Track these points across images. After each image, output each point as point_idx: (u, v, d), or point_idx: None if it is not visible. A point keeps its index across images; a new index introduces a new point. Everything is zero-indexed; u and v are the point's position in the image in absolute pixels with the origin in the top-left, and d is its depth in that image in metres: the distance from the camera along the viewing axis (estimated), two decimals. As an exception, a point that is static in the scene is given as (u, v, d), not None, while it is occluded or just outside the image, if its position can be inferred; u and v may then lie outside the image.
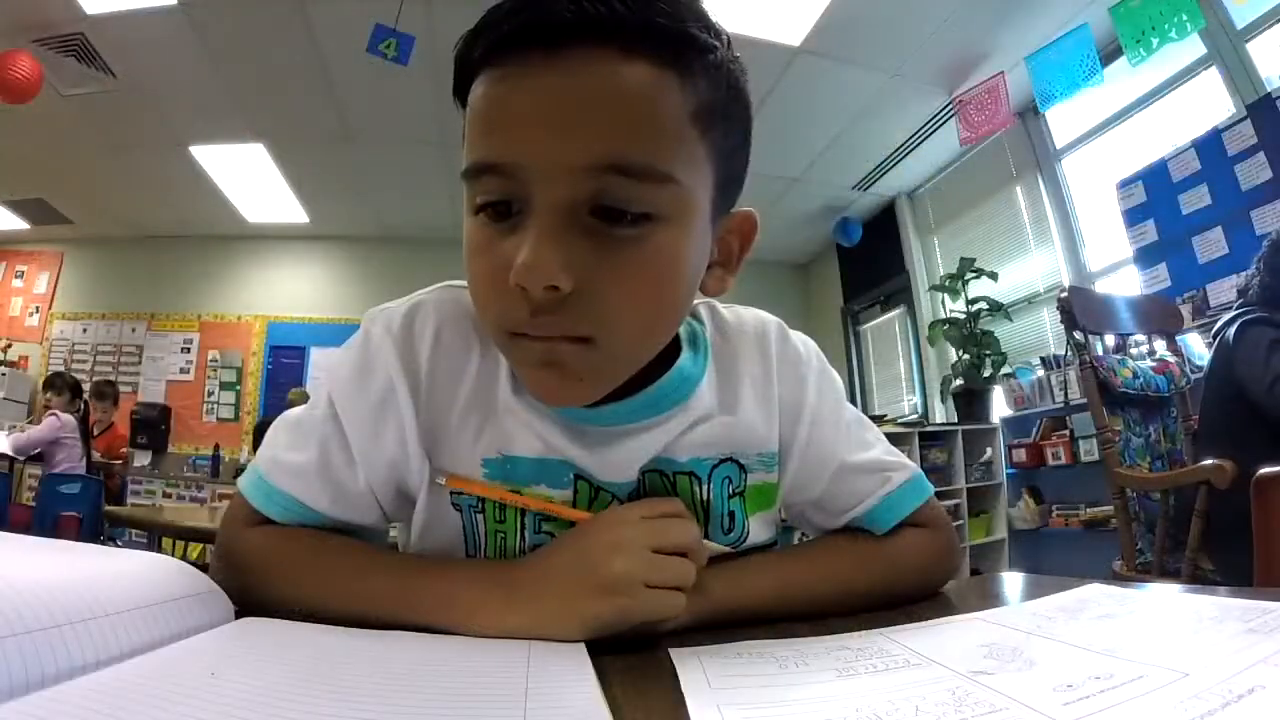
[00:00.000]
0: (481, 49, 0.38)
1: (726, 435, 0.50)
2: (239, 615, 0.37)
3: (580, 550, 0.40)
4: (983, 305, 3.80)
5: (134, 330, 5.54)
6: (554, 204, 0.36)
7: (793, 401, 0.52)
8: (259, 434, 3.05)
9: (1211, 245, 2.83)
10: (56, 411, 3.82)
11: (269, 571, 0.44)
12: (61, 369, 4.97)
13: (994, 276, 3.82)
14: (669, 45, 0.36)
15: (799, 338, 0.56)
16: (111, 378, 5.00)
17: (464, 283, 0.51)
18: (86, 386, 4.42)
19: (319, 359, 5.53)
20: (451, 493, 0.48)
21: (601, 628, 0.37)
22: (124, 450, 4.66)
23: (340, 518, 0.47)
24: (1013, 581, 0.61)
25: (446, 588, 0.40)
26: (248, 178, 4.63)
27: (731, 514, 0.51)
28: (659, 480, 0.49)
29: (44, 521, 3.18)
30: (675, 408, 0.48)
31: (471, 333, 0.49)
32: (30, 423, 4.23)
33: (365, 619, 0.38)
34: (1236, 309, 1.65)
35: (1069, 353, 3.06)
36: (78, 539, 2.11)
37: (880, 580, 0.50)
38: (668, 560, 0.39)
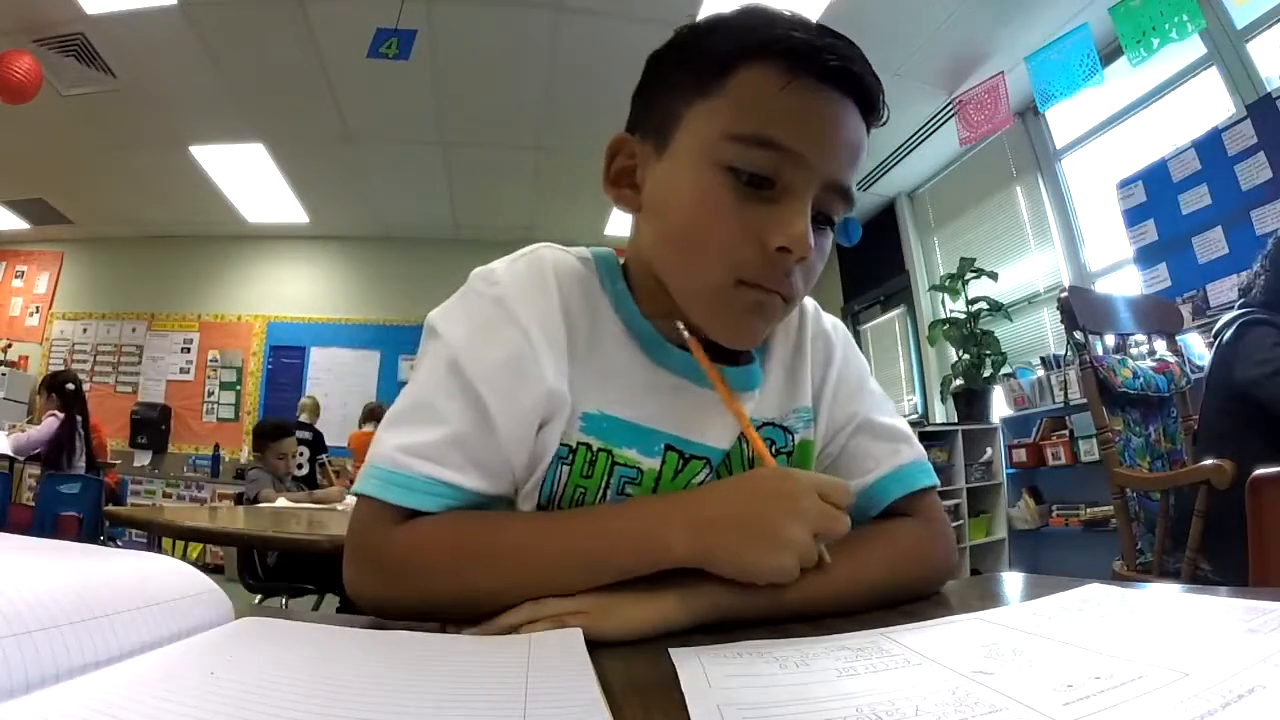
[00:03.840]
0: (779, 50, 0.44)
1: (769, 401, 0.57)
2: (238, 615, 0.37)
3: (766, 497, 0.43)
4: (983, 305, 3.81)
5: (134, 330, 5.55)
6: (810, 195, 0.46)
7: (822, 364, 0.60)
8: (257, 435, 3.04)
9: (1211, 245, 2.83)
10: (56, 412, 3.82)
11: (455, 564, 0.42)
12: (61, 369, 4.96)
13: (994, 276, 3.83)
14: (875, 108, 0.49)
15: (830, 318, 0.64)
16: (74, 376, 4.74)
17: (554, 246, 0.54)
18: (87, 386, 4.41)
19: (319, 359, 5.53)
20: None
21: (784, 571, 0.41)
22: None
23: (484, 491, 0.46)
24: (1013, 581, 0.61)
25: (640, 525, 0.43)
26: (248, 178, 4.64)
27: None
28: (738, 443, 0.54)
29: (44, 521, 3.17)
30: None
31: (582, 292, 0.52)
32: (30, 423, 4.23)
33: (569, 585, 0.41)
34: (1237, 309, 1.63)
35: (1069, 353, 3.07)
36: (78, 539, 2.11)
37: (880, 579, 0.50)
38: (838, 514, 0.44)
